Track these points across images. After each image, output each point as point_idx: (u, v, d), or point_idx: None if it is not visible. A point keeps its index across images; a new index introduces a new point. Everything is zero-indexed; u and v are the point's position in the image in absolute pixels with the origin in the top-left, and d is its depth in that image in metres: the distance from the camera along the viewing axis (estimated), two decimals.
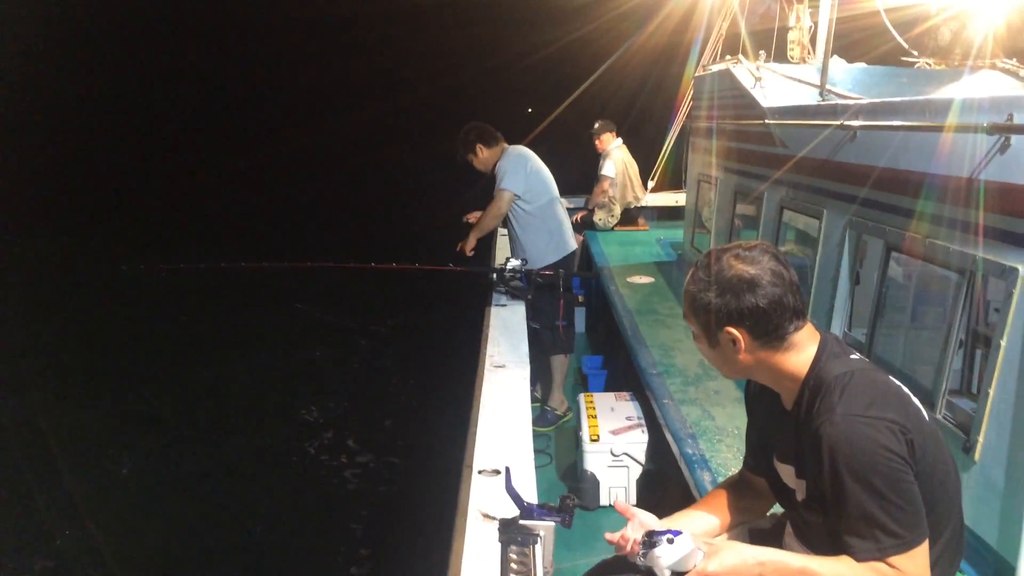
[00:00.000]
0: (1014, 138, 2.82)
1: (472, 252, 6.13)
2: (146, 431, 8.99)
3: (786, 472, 2.18)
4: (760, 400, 2.33)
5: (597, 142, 10.14)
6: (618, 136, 10.24)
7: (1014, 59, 6.75)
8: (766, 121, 5.53)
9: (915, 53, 7.26)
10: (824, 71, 5.09)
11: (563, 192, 10.38)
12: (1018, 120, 2.79)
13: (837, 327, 4.32)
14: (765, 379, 2.18)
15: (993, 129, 2.84)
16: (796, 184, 5.05)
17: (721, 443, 4.24)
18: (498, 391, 4.13)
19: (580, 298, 8.45)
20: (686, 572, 1.95)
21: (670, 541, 1.96)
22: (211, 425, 9.09)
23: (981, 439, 2.94)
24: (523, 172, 5.82)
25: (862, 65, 7.09)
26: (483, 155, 5.97)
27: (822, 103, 4.87)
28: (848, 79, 6.13)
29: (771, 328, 2.02)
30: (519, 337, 5.02)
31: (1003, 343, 2.83)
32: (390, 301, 12.86)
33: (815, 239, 4.66)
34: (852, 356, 2.11)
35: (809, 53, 7.72)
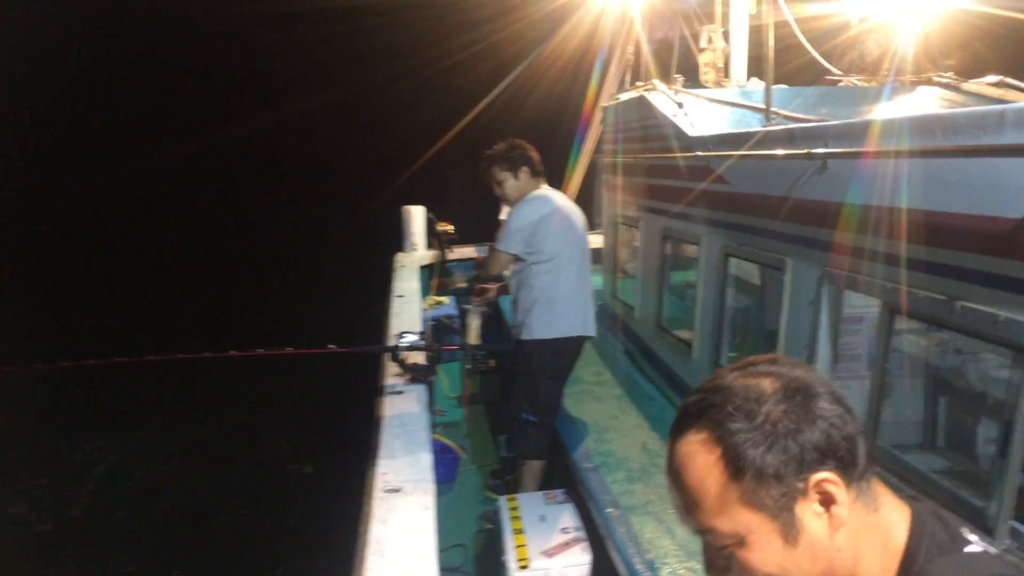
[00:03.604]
0: None
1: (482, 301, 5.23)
2: None
3: None
4: None
5: None
6: None
7: (950, 72, 6.16)
8: (698, 153, 4.68)
9: (833, 68, 6.62)
10: (768, 91, 4.26)
11: (466, 237, 9.45)
12: None
13: None
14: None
15: None
16: (745, 227, 4.18)
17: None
18: (392, 534, 3.04)
19: (492, 362, 7.38)
20: None
21: None
22: None
23: None
24: (529, 231, 4.53)
25: (784, 87, 6.37)
26: (521, 182, 4.70)
27: (772, 128, 4.01)
28: (777, 103, 5.37)
29: (859, 455, 1.13)
30: (419, 441, 3.94)
31: None
32: (264, 394, 11.22)
33: (778, 295, 3.77)
34: (969, 548, 1.16)
35: (724, 76, 7.02)
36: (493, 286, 5.27)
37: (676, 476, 1.15)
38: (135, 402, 11.25)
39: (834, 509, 1.09)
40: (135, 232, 24.01)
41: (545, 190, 4.74)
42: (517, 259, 4.64)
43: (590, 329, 4.74)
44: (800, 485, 1.08)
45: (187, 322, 14.28)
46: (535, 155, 4.75)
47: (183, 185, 27.69)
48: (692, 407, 1.16)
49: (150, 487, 9.15)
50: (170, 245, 22.99)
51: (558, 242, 4.56)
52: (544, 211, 4.56)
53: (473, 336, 5.79)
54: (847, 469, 1.10)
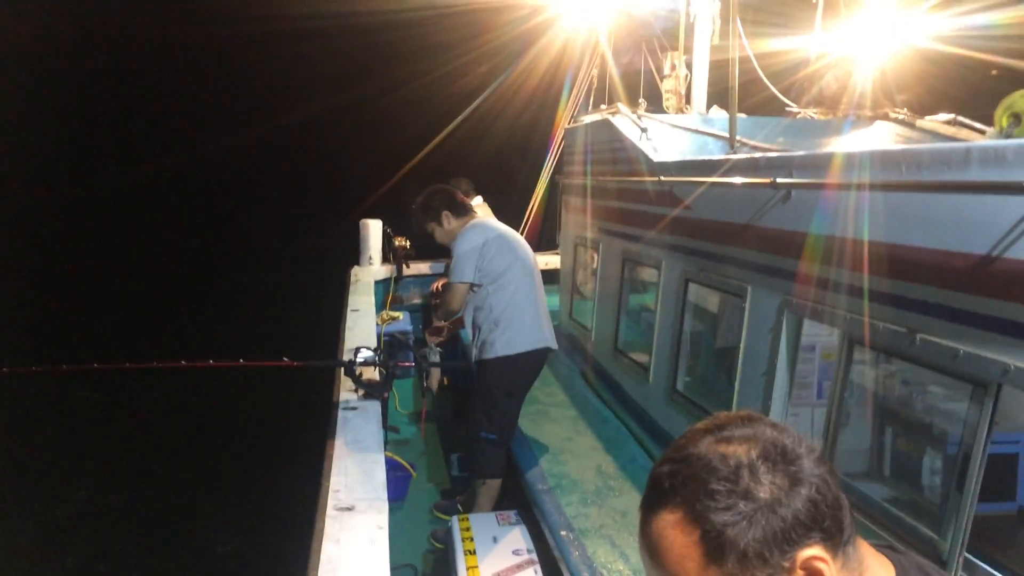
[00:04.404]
0: None
1: (439, 340, 5.22)
2: None
3: None
4: None
5: None
6: (478, 194, 9.28)
7: (905, 109, 6.31)
8: (661, 178, 4.70)
9: (791, 103, 6.75)
10: (732, 120, 4.30)
11: (422, 253, 9.35)
12: None
13: None
14: None
15: None
16: (706, 253, 4.21)
17: None
18: (344, 554, 2.97)
19: (445, 380, 7.31)
20: None
21: None
22: None
23: None
24: (477, 255, 4.68)
25: (746, 116, 6.46)
26: (449, 226, 4.87)
27: (737, 156, 4.05)
28: (739, 132, 5.44)
29: (844, 521, 1.05)
30: (373, 459, 3.87)
31: None
32: (215, 407, 10.90)
33: (737, 322, 3.79)
34: None
35: (686, 103, 7.10)
36: (444, 324, 5.30)
37: (652, 555, 1.07)
38: (80, 412, 10.90)
39: None
40: (94, 245, 23.54)
41: (478, 219, 4.91)
42: (472, 288, 4.71)
43: (551, 341, 4.80)
44: (786, 564, 0.99)
45: (141, 332, 13.94)
46: (456, 195, 4.95)
47: (148, 200, 27.26)
48: (664, 480, 1.06)
49: (93, 501, 8.85)
50: (129, 258, 22.54)
51: (506, 258, 4.68)
52: (486, 235, 4.71)
53: (435, 383, 5.86)
54: (833, 538, 1.02)
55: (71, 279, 19.37)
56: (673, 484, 1.04)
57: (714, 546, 1.00)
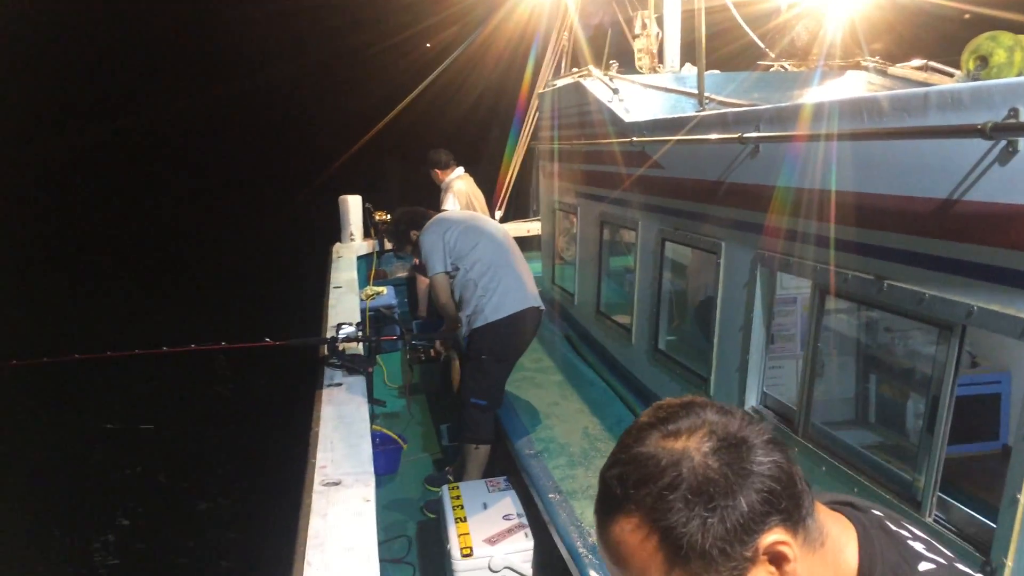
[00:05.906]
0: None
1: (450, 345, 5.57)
2: None
3: None
4: None
5: (436, 174, 9.04)
6: (459, 165, 9.21)
7: (876, 57, 6.29)
8: (633, 139, 4.69)
9: (771, 54, 6.72)
10: (700, 77, 4.28)
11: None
12: None
13: (752, 396, 3.45)
14: None
15: (996, 130, 2.02)
16: (680, 211, 4.21)
17: None
18: (332, 528, 3.00)
19: (433, 351, 7.32)
20: None
21: None
22: None
23: (1010, 562, 2.10)
24: (441, 245, 4.92)
25: (717, 72, 6.43)
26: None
27: (705, 113, 4.03)
28: (709, 88, 5.42)
29: (802, 499, 1.03)
30: (359, 433, 3.90)
31: None
32: (199, 390, 10.89)
33: (714, 278, 3.81)
34: (923, 566, 1.10)
35: (658, 62, 7.06)
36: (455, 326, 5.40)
37: (615, 562, 1.04)
38: (69, 400, 10.90)
39: (786, 567, 1.00)
40: (56, 224, 23.17)
41: (434, 218, 5.16)
42: (450, 276, 4.88)
43: (538, 301, 4.90)
44: (749, 554, 0.98)
45: (118, 318, 13.82)
46: (417, 211, 5.26)
47: (108, 172, 26.73)
48: (615, 483, 1.02)
49: (83, 484, 8.90)
50: (95, 237, 22.21)
51: (472, 237, 4.87)
52: (445, 225, 4.96)
53: (456, 376, 5.95)
54: (792, 517, 1.00)
55: (26, 267, 19.02)
56: (624, 489, 1.01)
57: (675, 550, 0.97)
